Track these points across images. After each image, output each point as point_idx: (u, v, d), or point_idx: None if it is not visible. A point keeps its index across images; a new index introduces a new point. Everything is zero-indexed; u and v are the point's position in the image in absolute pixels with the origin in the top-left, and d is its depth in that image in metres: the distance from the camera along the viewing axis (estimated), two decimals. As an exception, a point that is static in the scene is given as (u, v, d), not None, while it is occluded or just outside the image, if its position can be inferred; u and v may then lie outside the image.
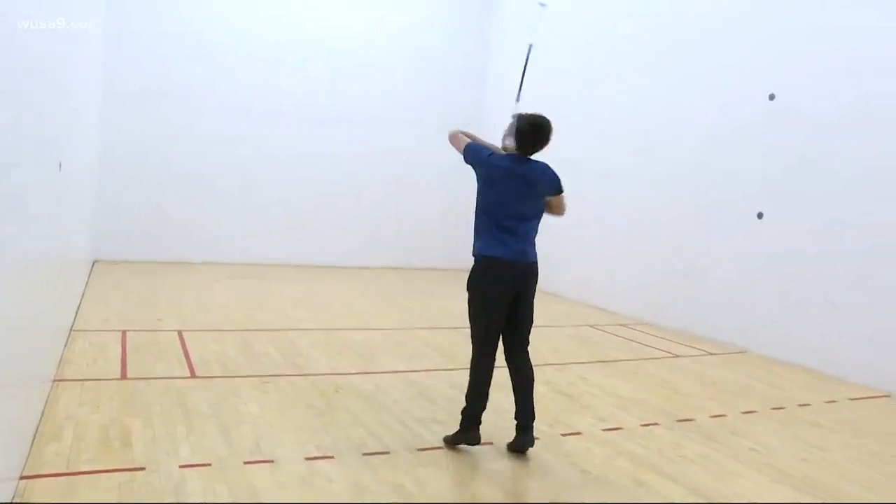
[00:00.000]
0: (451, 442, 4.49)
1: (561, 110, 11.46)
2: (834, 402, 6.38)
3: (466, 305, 4.52)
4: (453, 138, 4.78)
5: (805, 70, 7.81)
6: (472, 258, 4.52)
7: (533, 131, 4.40)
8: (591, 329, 9.01)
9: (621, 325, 9.41)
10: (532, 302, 4.54)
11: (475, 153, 4.56)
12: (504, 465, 4.25)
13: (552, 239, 11.73)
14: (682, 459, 4.58)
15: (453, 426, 4.70)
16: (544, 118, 4.43)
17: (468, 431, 4.43)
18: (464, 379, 6.07)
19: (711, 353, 7.98)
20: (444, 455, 4.31)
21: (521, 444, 4.42)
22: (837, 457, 4.91)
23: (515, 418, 4.46)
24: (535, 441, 4.48)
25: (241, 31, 12.07)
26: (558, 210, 4.65)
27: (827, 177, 7.52)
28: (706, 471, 4.43)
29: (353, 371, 6.08)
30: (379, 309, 9.32)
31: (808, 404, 6.21)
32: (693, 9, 9.43)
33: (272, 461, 4.00)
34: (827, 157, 7.53)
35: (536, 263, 4.50)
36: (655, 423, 5.30)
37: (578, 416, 5.32)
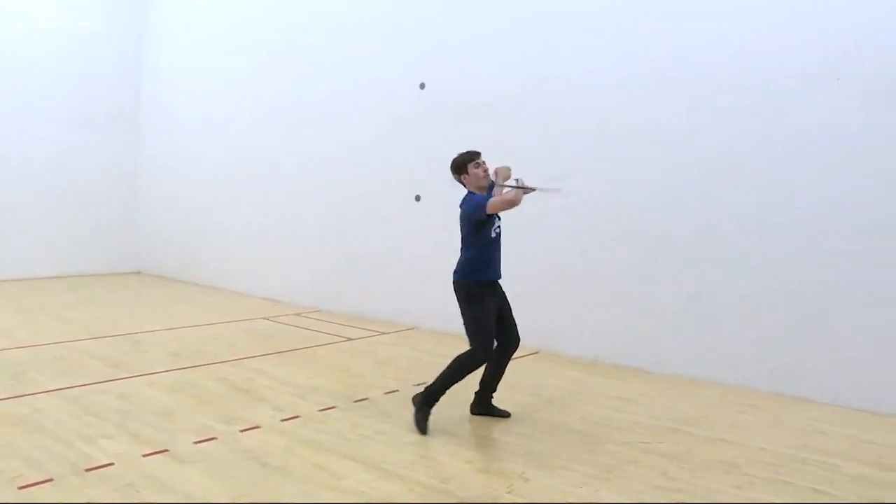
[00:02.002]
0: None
1: (220, 108, 11.25)
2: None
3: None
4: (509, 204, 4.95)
5: (452, 59, 8.39)
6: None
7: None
8: (265, 321, 8.99)
9: (295, 314, 9.49)
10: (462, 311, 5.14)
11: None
12: (177, 470, 4.10)
13: (218, 235, 11.51)
14: (360, 438, 4.77)
15: (123, 438, 4.50)
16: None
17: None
18: (132, 389, 5.76)
19: (384, 333, 8.35)
20: (115, 471, 4.05)
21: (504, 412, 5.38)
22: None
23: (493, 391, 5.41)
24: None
25: None
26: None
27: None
28: (383, 445, 4.66)
29: (1, 396, 5.48)
30: (35, 323, 8.47)
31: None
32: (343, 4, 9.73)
33: None
34: (475, 142, 8.16)
35: (455, 280, 5.14)
36: (333, 407, 5.45)
37: (256, 409, 5.31)
